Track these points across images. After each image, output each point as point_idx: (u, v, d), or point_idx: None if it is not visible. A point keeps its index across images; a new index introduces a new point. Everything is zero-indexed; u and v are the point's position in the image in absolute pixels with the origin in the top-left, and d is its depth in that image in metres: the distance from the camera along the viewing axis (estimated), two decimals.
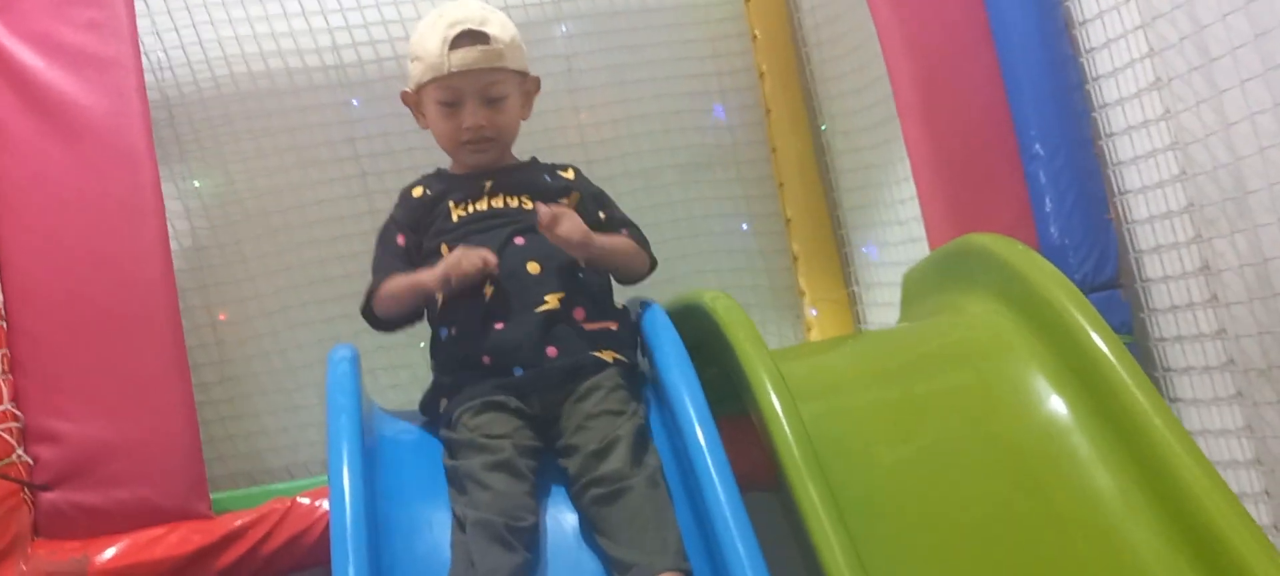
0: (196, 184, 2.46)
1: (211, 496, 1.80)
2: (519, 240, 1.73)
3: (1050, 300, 1.62)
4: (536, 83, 1.86)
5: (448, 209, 1.77)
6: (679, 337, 1.68)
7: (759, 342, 1.64)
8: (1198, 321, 1.89)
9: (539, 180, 1.82)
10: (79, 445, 1.73)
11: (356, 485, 1.58)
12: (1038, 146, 1.99)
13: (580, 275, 1.74)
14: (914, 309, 1.99)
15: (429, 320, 1.79)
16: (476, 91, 1.76)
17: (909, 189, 2.27)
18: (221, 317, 2.44)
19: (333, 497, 1.57)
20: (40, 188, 1.78)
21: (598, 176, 2.59)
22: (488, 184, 1.78)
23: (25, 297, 1.75)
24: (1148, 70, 1.89)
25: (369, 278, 1.80)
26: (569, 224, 1.68)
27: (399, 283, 1.74)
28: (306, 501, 1.77)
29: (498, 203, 1.77)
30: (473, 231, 1.74)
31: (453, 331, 1.72)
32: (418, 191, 1.83)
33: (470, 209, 1.77)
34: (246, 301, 2.45)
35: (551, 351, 1.67)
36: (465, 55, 1.73)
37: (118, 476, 1.73)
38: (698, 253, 2.70)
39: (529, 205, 1.76)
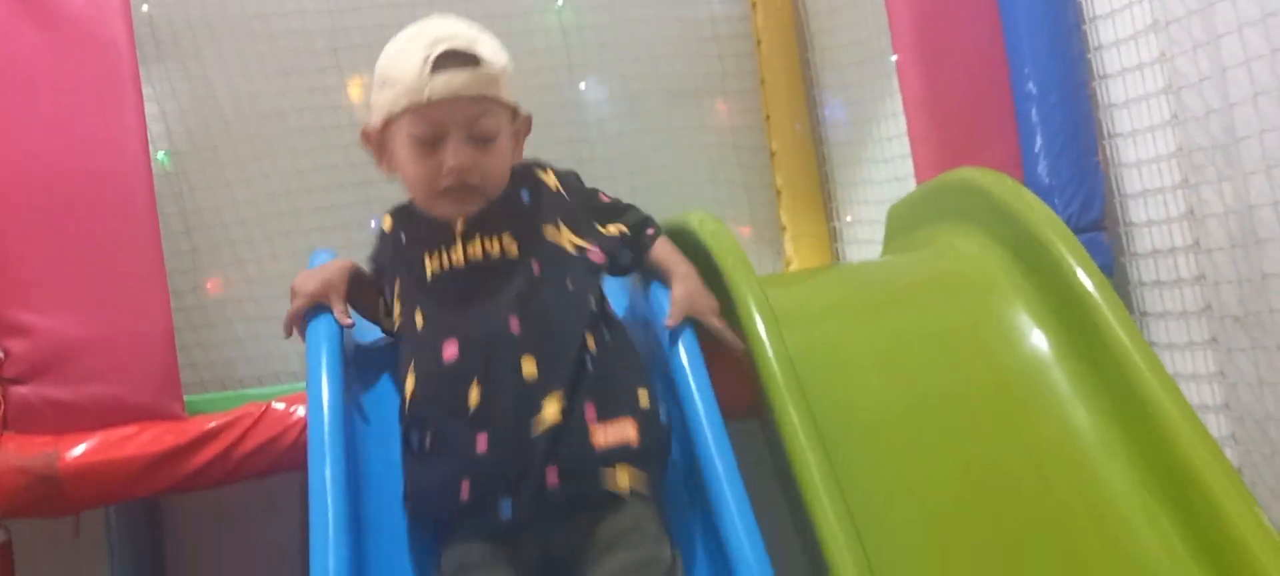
0: (174, 87, 2.41)
1: (185, 399, 1.78)
2: (513, 325, 1.39)
3: (1038, 236, 1.62)
4: (528, 122, 1.51)
5: (421, 259, 1.47)
6: None
7: (746, 266, 1.63)
8: (1178, 267, 1.91)
9: (517, 207, 1.48)
10: (50, 339, 1.70)
11: (335, 390, 1.57)
12: (1031, 85, 1.99)
13: (588, 358, 1.39)
14: (898, 242, 1.99)
15: (399, 409, 1.46)
16: (462, 125, 1.41)
17: (897, 126, 2.26)
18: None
19: (310, 403, 1.56)
20: (14, 72, 1.73)
21: (586, 101, 2.56)
22: (459, 225, 1.45)
23: None
24: (1146, 12, 1.88)
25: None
26: (693, 305, 1.51)
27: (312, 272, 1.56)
28: (282, 406, 1.76)
29: (475, 250, 1.44)
30: (451, 297, 1.43)
31: (424, 441, 1.39)
32: (388, 222, 1.56)
33: (445, 262, 1.46)
34: (223, 210, 2.41)
35: (551, 477, 1.33)
36: (451, 80, 1.39)
37: (89, 372, 1.70)
38: (680, 183, 2.68)
39: (513, 250, 1.44)
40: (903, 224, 2.00)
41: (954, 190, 1.82)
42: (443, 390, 1.38)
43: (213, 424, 1.72)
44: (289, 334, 1.55)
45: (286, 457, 1.75)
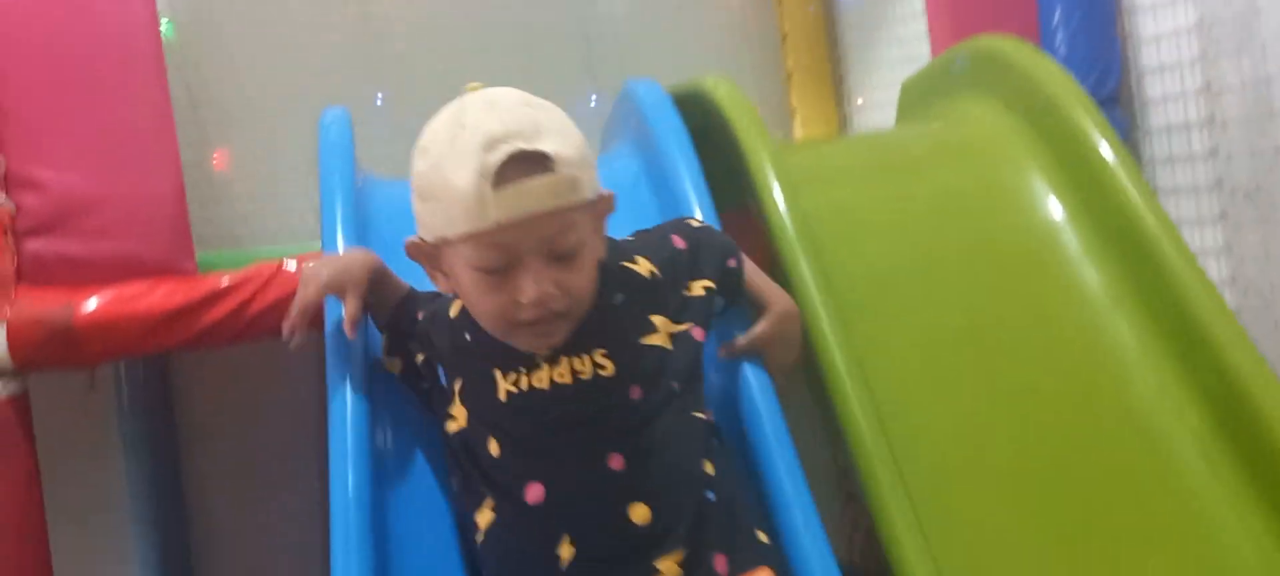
0: None
1: (196, 258, 1.79)
2: (615, 462, 1.14)
3: (1057, 103, 1.61)
4: (610, 202, 1.18)
5: (491, 375, 1.19)
6: (680, 119, 1.64)
7: (760, 128, 1.63)
8: (1191, 142, 1.90)
9: (610, 316, 1.19)
10: (62, 194, 1.69)
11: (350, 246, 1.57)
12: None
13: (709, 491, 1.16)
14: (911, 117, 1.98)
15: (474, 560, 1.24)
16: (538, 247, 1.10)
17: (913, 4, 2.24)
18: None
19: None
20: None
21: None
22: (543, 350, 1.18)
23: (5, 39, 1.69)
24: None
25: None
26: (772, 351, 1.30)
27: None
28: (293, 266, 1.76)
29: (562, 373, 1.16)
30: (533, 427, 1.17)
31: None
32: (455, 309, 1.25)
33: (523, 385, 1.18)
34: (226, 81, 2.39)
35: None
36: (520, 196, 1.07)
37: (101, 228, 1.70)
38: (689, 65, 2.66)
39: (608, 369, 1.16)
40: (916, 97, 1.98)
41: (971, 58, 1.80)
42: (527, 543, 1.14)
43: (225, 281, 1.72)
44: (291, 334, 1.30)
45: None
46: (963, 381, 1.46)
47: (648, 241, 1.27)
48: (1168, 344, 1.45)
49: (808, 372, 1.51)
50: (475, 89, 1.15)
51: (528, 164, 1.07)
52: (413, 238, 1.18)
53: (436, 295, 1.30)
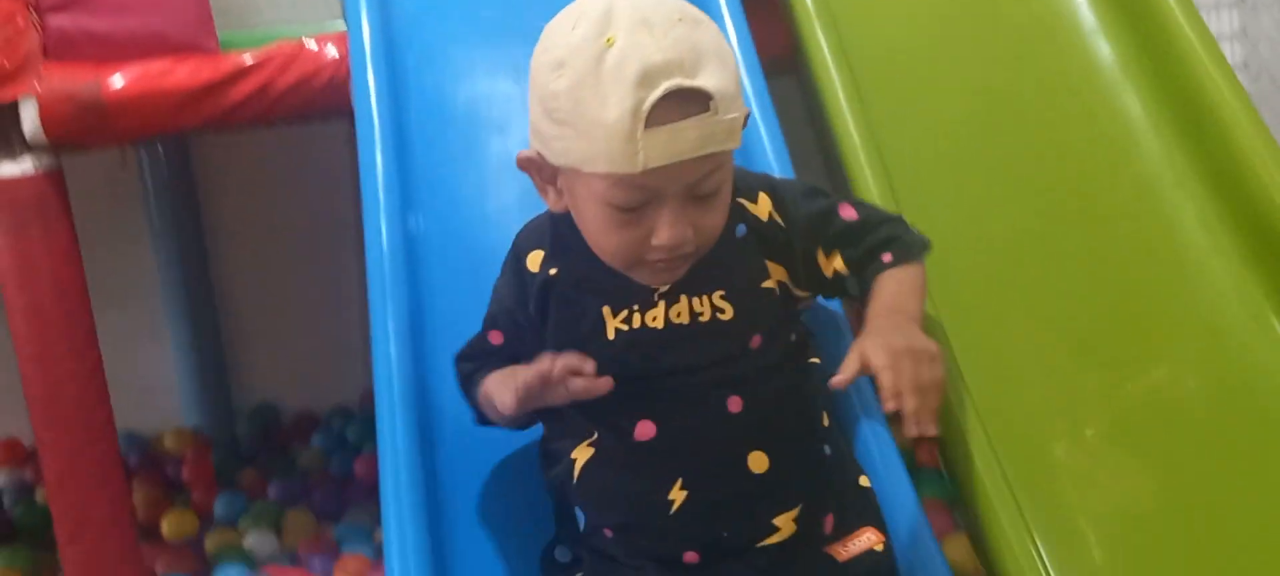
0: None
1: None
2: (734, 404, 1.06)
3: None
4: (747, 116, 1.04)
5: (598, 314, 1.08)
6: None
7: None
8: None
9: (731, 252, 1.09)
10: None
11: (376, 22, 1.59)
12: None
13: (827, 449, 1.10)
14: None
15: (560, 495, 1.16)
16: (682, 190, 1.00)
17: None
18: None
19: (352, 44, 1.58)
20: None
21: None
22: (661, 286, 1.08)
23: None
24: None
25: None
26: (917, 389, 0.96)
27: (494, 386, 1.13)
28: (313, 45, 1.78)
29: (680, 313, 1.07)
30: (645, 365, 1.07)
31: (604, 535, 1.10)
32: (534, 261, 1.13)
33: (638, 320, 1.08)
34: None
35: None
36: (676, 139, 0.96)
37: (124, 3, 1.71)
38: None
39: (727, 312, 1.07)
40: None
41: None
42: (635, 483, 1.06)
43: (249, 59, 1.74)
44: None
45: (320, 98, 1.79)
46: (975, 155, 1.50)
47: (776, 187, 1.13)
48: (1176, 118, 1.47)
49: (825, 152, 1.55)
50: None
51: (686, 103, 0.95)
52: (529, 152, 1.05)
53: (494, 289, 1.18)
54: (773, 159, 1.40)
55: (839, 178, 1.49)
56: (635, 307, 1.07)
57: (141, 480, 2.28)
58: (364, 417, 2.48)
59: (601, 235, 1.04)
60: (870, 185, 1.43)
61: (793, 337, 1.12)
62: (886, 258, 1.12)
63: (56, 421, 1.66)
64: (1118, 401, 1.33)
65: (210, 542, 2.04)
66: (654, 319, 1.07)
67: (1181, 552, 1.22)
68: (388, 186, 1.42)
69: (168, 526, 2.11)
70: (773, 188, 1.13)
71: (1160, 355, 1.37)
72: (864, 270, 1.11)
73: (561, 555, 1.14)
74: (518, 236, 1.16)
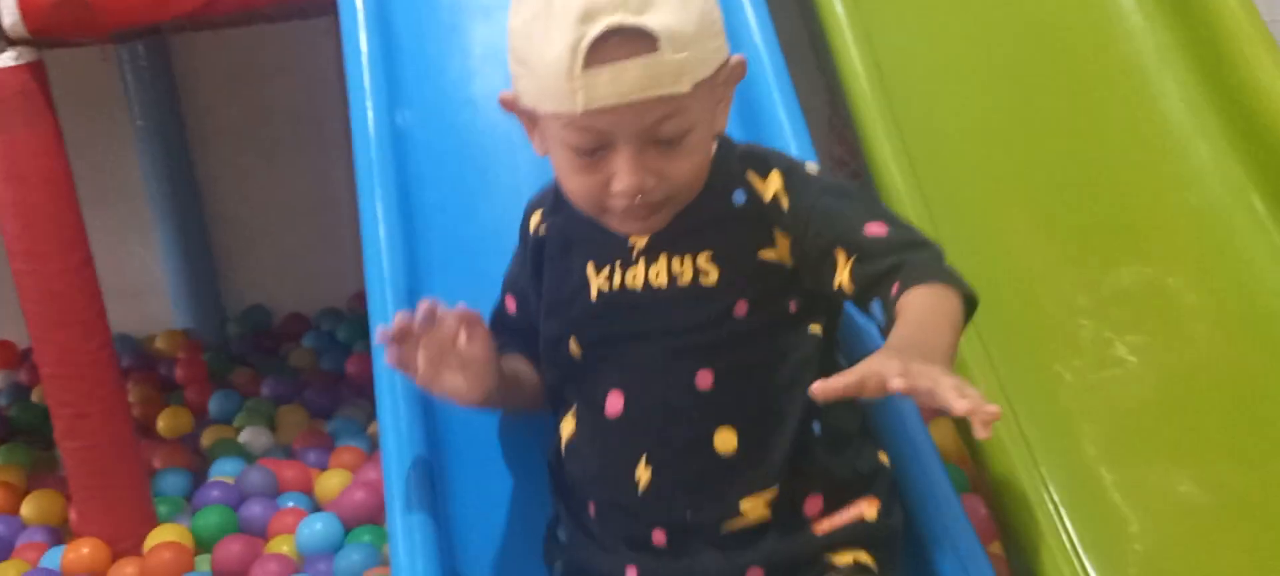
0: None
1: None
2: (704, 379, 1.00)
3: None
4: (740, 68, 1.00)
5: (582, 270, 1.05)
6: None
7: None
8: None
9: (724, 214, 1.01)
10: None
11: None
12: None
13: (816, 427, 1.01)
14: None
15: (554, 470, 1.11)
16: (636, 134, 0.94)
17: None
18: None
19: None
20: None
21: None
22: (639, 240, 1.03)
23: None
24: None
25: None
26: (908, 377, 0.80)
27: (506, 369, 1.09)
28: None
29: (659, 274, 1.01)
30: (620, 331, 1.03)
31: (586, 508, 1.06)
32: (535, 220, 1.11)
33: (617, 281, 1.03)
34: None
35: None
36: (616, 79, 0.91)
37: None
38: None
39: (712, 275, 1.00)
40: None
41: None
42: (606, 460, 1.02)
43: None
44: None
45: None
46: (957, 41, 1.50)
47: (794, 172, 1.02)
48: (1185, 45, 1.46)
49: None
50: None
51: (629, 42, 0.89)
52: (509, 93, 1.01)
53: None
54: (790, 137, 1.31)
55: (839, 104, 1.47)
56: (617, 263, 1.03)
57: (136, 380, 2.30)
58: (354, 318, 2.50)
59: (566, 178, 0.99)
60: (875, 119, 1.41)
61: (790, 307, 1.01)
62: (896, 288, 0.94)
63: (49, 316, 1.67)
64: (1110, 296, 1.34)
65: (206, 439, 2.07)
66: (633, 277, 1.02)
67: (1176, 442, 1.24)
68: (374, 79, 1.41)
69: (163, 424, 2.14)
70: (790, 170, 1.02)
71: (1150, 246, 1.38)
72: (870, 291, 0.96)
73: (563, 535, 1.09)
74: (532, 198, 1.13)
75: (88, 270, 1.71)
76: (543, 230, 1.09)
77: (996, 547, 1.27)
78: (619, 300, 1.03)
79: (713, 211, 1.01)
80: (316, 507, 1.80)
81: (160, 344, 2.48)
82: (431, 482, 1.13)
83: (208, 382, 2.30)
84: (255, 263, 2.63)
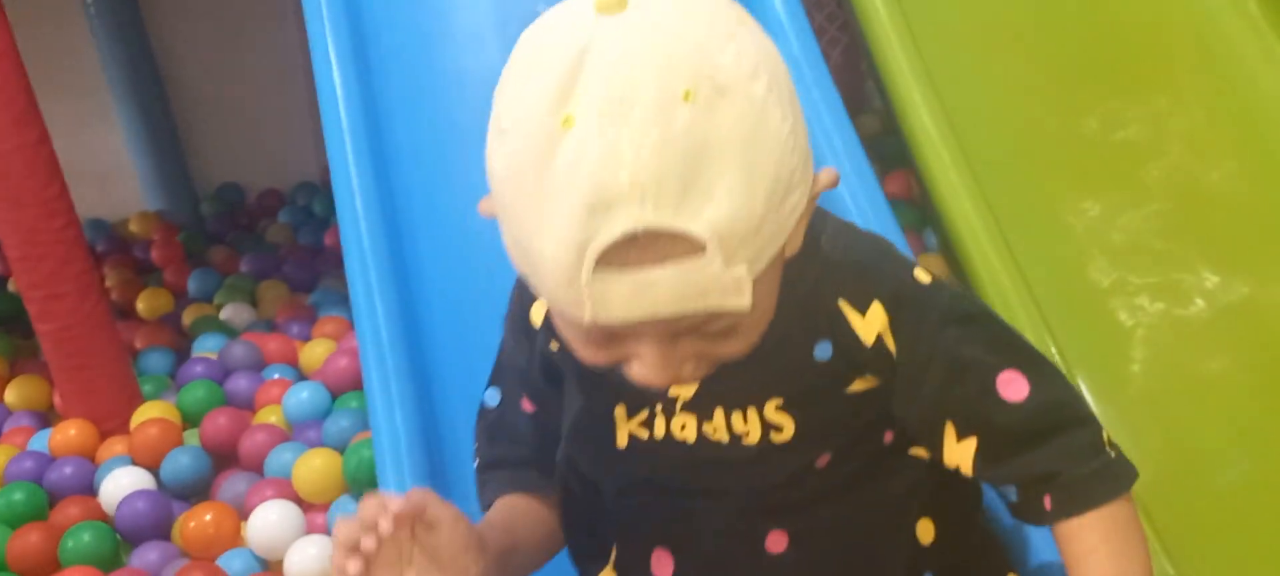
0: None
1: None
2: (776, 542, 0.78)
3: None
4: (830, 181, 0.70)
5: (608, 412, 0.80)
6: None
7: None
8: None
9: (800, 363, 0.75)
10: None
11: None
12: None
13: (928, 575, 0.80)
14: None
15: None
16: (667, 337, 0.67)
17: None
18: None
19: None
20: None
21: None
22: (683, 391, 0.77)
23: None
24: None
25: None
26: None
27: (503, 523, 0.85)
28: None
29: (716, 429, 0.77)
30: (661, 479, 0.80)
31: None
32: (538, 314, 0.83)
33: (657, 429, 0.78)
34: None
35: None
36: (639, 294, 0.62)
37: None
38: None
39: (787, 429, 0.75)
40: None
41: None
42: None
43: None
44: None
45: None
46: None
47: (902, 298, 0.74)
48: None
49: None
50: (605, 3, 0.62)
51: (660, 244, 0.60)
52: (488, 203, 0.68)
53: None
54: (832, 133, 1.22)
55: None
56: (656, 408, 0.78)
57: (112, 264, 2.27)
58: (329, 191, 2.44)
59: (571, 344, 0.71)
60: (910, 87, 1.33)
61: (885, 438, 0.78)
62: (1048, 502, 0.73)
63: (8, 196, 1.62)
64: (1117, 134, 1.30)
65: (187, 317, 2.05)
66: (681, 429, 0.77)
67: (1182, 270, 1.22)
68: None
69: (143, 305, 2.12)
70: (899, 299, 0.73)
71: (1159, 80, 1.33)
72: (1003, 485, 0.75)
73: None
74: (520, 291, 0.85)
75: (44, 148, 1.66)
76: (554, 346, 0.80)
77: None
78: (660, 450, 0.78)
79: (785, 364, 0.74)
80: (302, 378, 1.79)
81: (134, 227, 2.44)
82: (406, 344, 1.12)
83: (185, 263, 2.27)
84: (224, 140, 2.58)
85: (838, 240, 0.75)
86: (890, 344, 0.73)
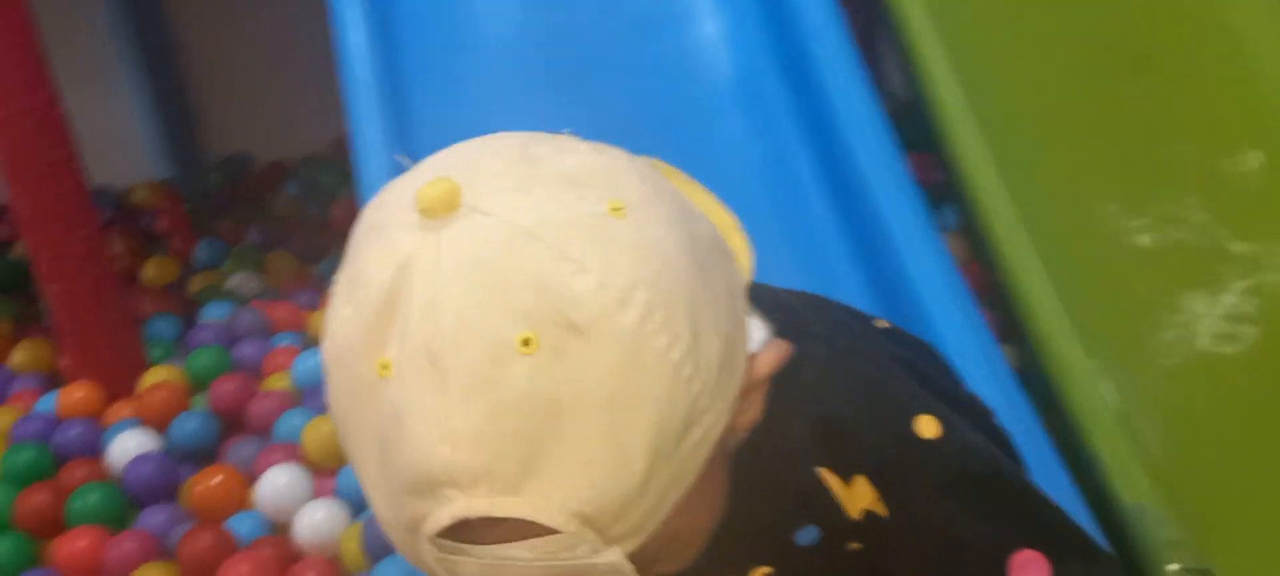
0: None
1: None
2: None
3: None
4: (773, 358, 0.57)
5: None
6: None
7: None
8: None
9: (781, 547, 0.62)
10: None
11: None
12: None
13: None
14: None
15: None
16: None
17: None
18: None
19: None
20: None
21: None
22: None
23: None
24: None
25: None
26: None
27: None
28: None
29: None
30: None
31: None
32: None
33: None
34: None
35: None
36: (484, 571, 0.51)
37: None
38: None
39: None
40: None
41: None
42: None
43: None
44: None
45: None
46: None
47: (887, 470, 0.59)
48: None
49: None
50: (427, 205, 0.48)
51: (509, 528, 0.49)
52: None
53: None
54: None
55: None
56: None
57: (119, 232, 2.26)
58: (337, 164, 2.44)
59: None
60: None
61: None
62: None
63: (17, 158, 1.61)
64: (1144, 114, 1.29)
65: (194, 286, 2.04)
66: None
67: (1215, 258, 1.21)
68: None
69: (149, 273, 2.11)
70: (885, 469, 0.59)
71: (1185, 53, 1.31)
72: None
73: None
74: None
75: (54, 110, 1.65)
76: None
77: None
78: None
79: (764, 549, 0.62)
80: (310, 345, 1.78)
81: (140, 196, 2.43)
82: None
83: (191, 232, 2.26)
84: (232, 110, 2.56)
85: (816, 392, 0.59)
86: (881, 511, 0.59)
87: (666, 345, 0.47)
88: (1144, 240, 1.23)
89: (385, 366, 0.48)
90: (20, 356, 1.85)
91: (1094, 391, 1.07)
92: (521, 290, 0.47)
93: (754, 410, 0.57)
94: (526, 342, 0.46)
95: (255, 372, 1.73)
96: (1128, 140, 1.31)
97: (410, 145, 1.23)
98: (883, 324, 0.68)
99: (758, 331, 0.58)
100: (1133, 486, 1.01)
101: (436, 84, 1.26)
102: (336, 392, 0.51)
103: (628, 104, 1.25)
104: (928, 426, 0.59)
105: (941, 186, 1.74)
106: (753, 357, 0.55)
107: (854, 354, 0.61)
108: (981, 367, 1.02)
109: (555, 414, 0.46)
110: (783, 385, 0.57)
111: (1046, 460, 0.97)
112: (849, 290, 1.15)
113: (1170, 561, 0.96)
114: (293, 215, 2.33)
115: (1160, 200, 1.27)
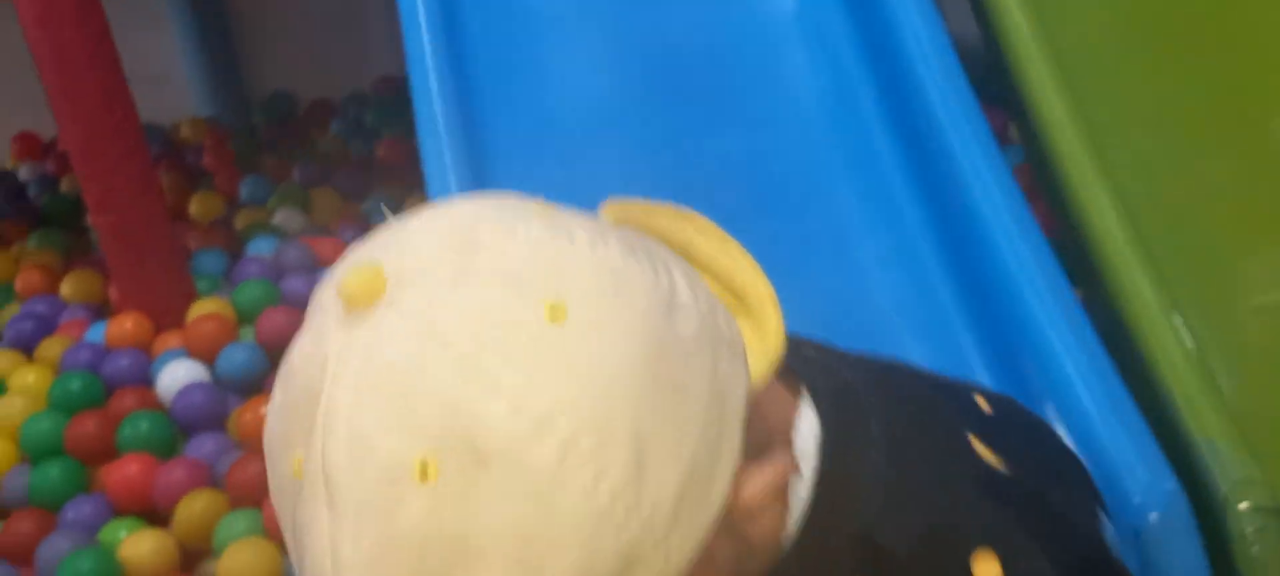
0: None
1: None
2: None
3: None
4: (772, 484, 0.49)
5: None
6: None
7: None
8: None
9: None
10: None
11: None
12: None
13: None
14: None
15: None
16: None
17: None
18: None
19: None
20: None
21: None
22: None
23: None
24: None
25: None
26: None
27: None
28: None
29: None
30: None
31: None
32: None
33: None
34: None
35: None
36: None
37: None
38: None
39: None
40: None
41: None
42: None
43: None
44: None
45: None
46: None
47: (1015, 556, 0.54)
48: None
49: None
50: (348, 295, 0.44)
51: None
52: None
53: None
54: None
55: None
56: None
57: (164, 167, 2.26)
58: (381, 102, 2.43)
59: None
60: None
61: None
62: None
63: (69, 89, 1.61)
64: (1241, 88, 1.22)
65: (240, 221, 2.05)
66: None
67: None
68: None
69: (195, 208, 2.11)
70: (1010, 554, 0.53)
71: None
72: None
73: None
74: None
75: (106, 43, 1.65)
76: None
77: None
78: None
79: None
80: None
81: (185, 132, 2.43)
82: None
83: (235, 170, 2.26)
84: (277, 48, 2.55)
85: (868, 515, 0.52)
86: None
87: (592, 482, 0.41)
88: (1224, 177, 1.18)
89: (297, 469, 0.44)
90: (70, 287, 1.86)
91: (1165, 326, 1.04)
92: (427, 408, 0.41)
93: (771, 523, 0.50)
94: (424, 470, 0.40)
95: (302, 306, 1.72)
96: (1228, 109, 1.25)
97: (465, 67, 1.20)
98: (982, 400, 0.59)
99: (806, 422, 0.51)
100: (1204, 423, 0.98)
101: (492, 6, 1.23)
102: (269, 474, 0.48)
103: (687, 32, 1.22)
104: (986, 567, 0.52)
105: (998, 136, 1.70)
106: (747, 474, 0.47)
107: (920, 462, 0.54)
108: (1050, 303, 0.99)
109: (461, 553, 0.40)
110: (831, 490, 0.51)
111: (1118, 395, 0.95)
112: (911, 224, 1.12)
113: (1242, 499, 0.94)
114: (337, 153, 2.32)
115: (1243, 138, 1.22)
